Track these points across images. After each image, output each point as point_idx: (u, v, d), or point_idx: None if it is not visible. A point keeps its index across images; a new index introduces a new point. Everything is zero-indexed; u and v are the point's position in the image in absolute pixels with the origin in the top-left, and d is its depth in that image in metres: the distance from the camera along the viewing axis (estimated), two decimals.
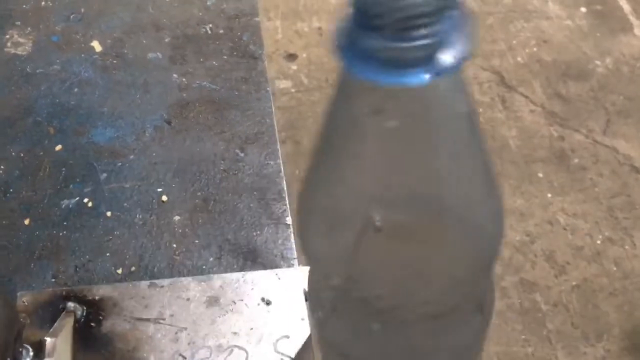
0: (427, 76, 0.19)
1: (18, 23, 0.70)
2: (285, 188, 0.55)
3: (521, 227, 1.21)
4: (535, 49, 1.54)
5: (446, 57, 0.19)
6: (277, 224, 0.52)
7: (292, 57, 1.54)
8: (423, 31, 0.18)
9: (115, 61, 0.65)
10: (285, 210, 0.53)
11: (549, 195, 1.26)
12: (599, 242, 1.19)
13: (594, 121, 1.38)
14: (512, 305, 1.11)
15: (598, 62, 1.50)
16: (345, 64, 0.20)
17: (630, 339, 1.06)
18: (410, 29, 0.18)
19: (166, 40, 0.67)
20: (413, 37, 0.18)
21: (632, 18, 1.60)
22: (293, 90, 1.47)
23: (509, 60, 1.52)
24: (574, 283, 1.14)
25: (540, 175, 1.30)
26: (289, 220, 0.53)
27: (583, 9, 1.63)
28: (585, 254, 1.17)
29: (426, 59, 0.19)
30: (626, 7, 1.62)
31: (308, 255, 0.28)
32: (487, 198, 0.25)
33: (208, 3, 0.71)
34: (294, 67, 1.52)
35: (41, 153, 0.58)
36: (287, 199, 0.54)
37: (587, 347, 1.06)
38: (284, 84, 1.48)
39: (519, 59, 1.52)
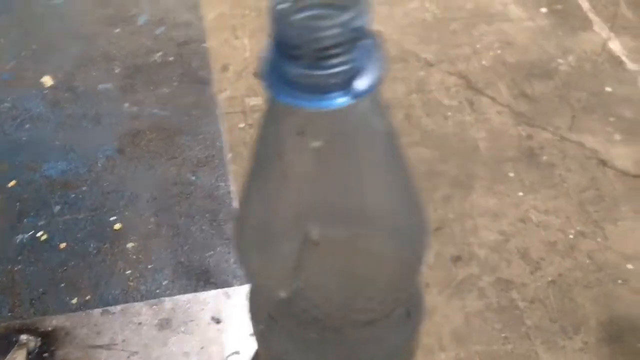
0: (344, 100, 0.21)
1: None
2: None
3: (495, 227, 1.23)
4: (499, 51, 1.57)
5: (361, 82, 0.21)
6: (228, 244, 0.54)
7: None
8: (338, 59, 0.20)
9: (66, 94, 0.67)
10: None
11: (521, 193, 1.28)
12: (571, 236, 1.21)
13: (560, 118, 1.41)
14: (490, 304, 1.12)
15: (561, 61, 1.53)
16: (270, 90, 0.22)
17: (607, 330, 1.08)
18: (326, 58, 0.20)
19: (116, 71, 0.69)
20: (329, 65, 0.20)
21: (591, 15, 1.63)
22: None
23: (474, 64, 1.55)
24: (549, 279, 1.15)
25: (511, 174, 1.31)
26: None
27: (544, 10, 1.66)
28: (559, 249, 1.19)
29: (342, 84, 0.21)
30: (585, 5, 1.65)
31: (246, 270, 0.30)
32: (409, 209, 0.27)
33: (157, 32, 0.72)
34: None
35: None
36: None
37: (565, 340, 1.07)
38: (254, 101, 1.50)
39: (483, 62, 1.55)
